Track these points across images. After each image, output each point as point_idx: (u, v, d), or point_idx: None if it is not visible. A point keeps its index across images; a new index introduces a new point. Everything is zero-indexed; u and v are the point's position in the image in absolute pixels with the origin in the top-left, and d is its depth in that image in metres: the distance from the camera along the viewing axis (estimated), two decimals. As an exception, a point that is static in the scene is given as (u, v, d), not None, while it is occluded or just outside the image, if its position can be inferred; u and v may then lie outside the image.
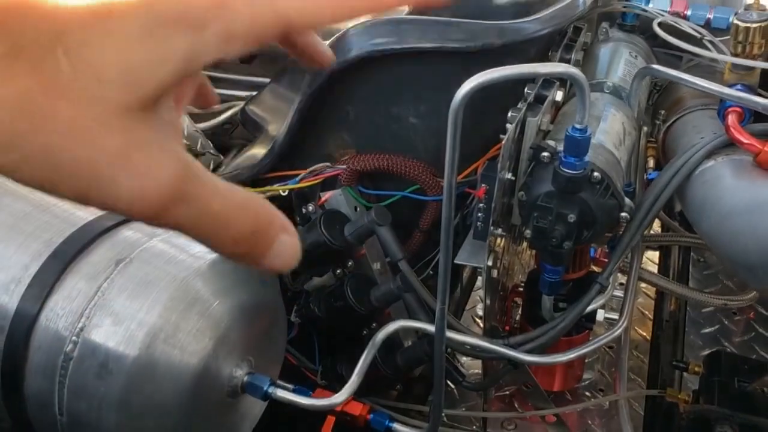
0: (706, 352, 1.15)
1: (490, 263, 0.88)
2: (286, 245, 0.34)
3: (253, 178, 1.06)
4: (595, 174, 0.81)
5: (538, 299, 0.94)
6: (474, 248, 0.91)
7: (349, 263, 1.01)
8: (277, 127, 1.51)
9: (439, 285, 0.82)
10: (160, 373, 0.74)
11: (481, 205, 0.88)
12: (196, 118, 1.64)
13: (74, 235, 0.82)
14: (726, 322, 1.22)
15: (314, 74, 0.95)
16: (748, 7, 0.94)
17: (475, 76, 0.71)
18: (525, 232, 0.82)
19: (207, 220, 0.30)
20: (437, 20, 0.87)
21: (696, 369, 1.05)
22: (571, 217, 0.79)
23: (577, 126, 0.76)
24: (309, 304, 1.02)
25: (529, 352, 0.90)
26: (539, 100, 0.91)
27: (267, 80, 1.70)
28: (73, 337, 0.75)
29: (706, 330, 1.21)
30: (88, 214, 0.85)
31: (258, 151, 1.44)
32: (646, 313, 1.29)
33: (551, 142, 0.83)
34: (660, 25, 1.01)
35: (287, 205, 1.06)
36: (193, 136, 1.57)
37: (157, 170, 0.28)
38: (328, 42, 0.93)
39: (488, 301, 0.92)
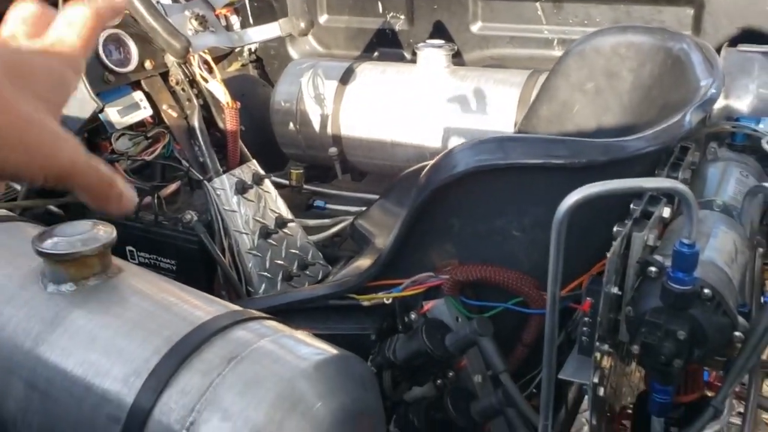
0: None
1: (596, 380, 0.85)
2: (129, 190, 0.50)
3: (360, 286, 1.09)
4: (706, 291, 0.79)
5: (648, 423, 0.90)
6: (579, 364, 0.89)
7: (450, 374, 1.01)
8: (384, 241, 1.57)
9: (542, 400, 0.81)
10: (262, 472, 0.76)
11: (586, 319, 0.87)
12: (308, 230, 1.72)
13: (192, 333, 0.87)
14: None
15: (420, 189, 0.99)
16: None
17: (579, 189, 0.73)
18: (633, 348, 0.80)
19: (99, 169, 0.46)
20: (541, 138, 0.90)
21: None
22: (681, 334, 0.77)
23: (685, 241, 0.75)
24: (408, 415, 1.02)
25: (639, 478, 0.85)
26: (646, 216, 0.91)
27: (375, 196, 1.79)
28: (184, 431, 0.78)
29: (841, 469, 1.10)
30: (205, 314, 0.90)
31: (364, 262, 1.50)
32: (770, 446, 1.19)
33: (659, 257, 0.83)
34: (770, 143, 1.00)
35: (391, 312, 1.08)
36: (305, 248, 1.65)
37: (76, 140, 0.45)
38: (435, 159, 0.98)
39: (594, 421, 0.89)
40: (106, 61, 1.37)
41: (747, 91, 1.25)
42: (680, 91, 1.18)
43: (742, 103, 1.24)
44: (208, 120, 1.53)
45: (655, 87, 1.30)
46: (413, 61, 1.96)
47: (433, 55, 1.85)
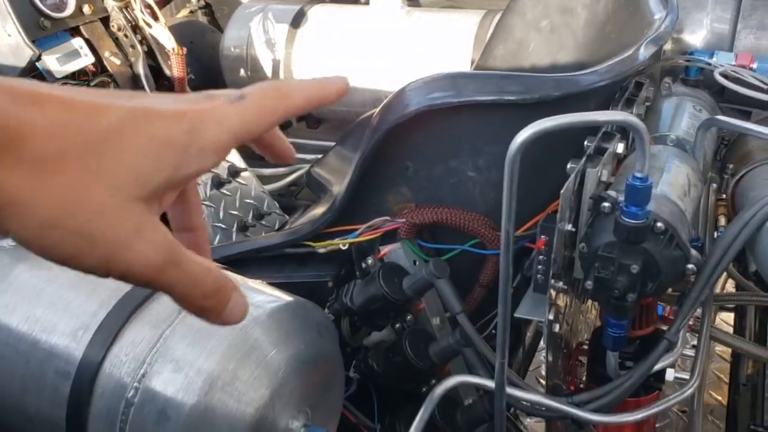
0: (789, 417, 1.08)
1: (551, 317, 0.86)
2: (239, 301, 0.42)
3: (315, 233, 1.07)
4: (659, 224, 0.79)
5: (603, 357, 0.91)
6: (535, 302, 0.89)
7: (408, 318, 1.00)
8: (340, 188, 1.55)
9: (498, 338, 0.80)
10: (216, 421, 0.75)
11: (540, 257, 0.86)
12: (263, 180, 1.69)
13: (140, 284, 0.84)
14: (810, 387, 1.14)
15: (373, 130, 0.97)
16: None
17: (532, 124, 0.71)
18: (586, 283, 0.80)
19: (188, 279, 0.38)
20: (494, 74, 0.88)
21: (777, 435, 0.99)
22: (634, 268, 0.77)
23: (638, 174, 0.75)
24: (368, 360, 1.01)
25: (595, 411, 0.86)
26: (599, 152, 0.90)
27: (332, 143, 1.76)
28: (135, 383, 0.77)
29: (788, 395, 1.14)
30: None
31: (321, 210, 1.48)
32: (722, 377, 1.22)
33: (612, 193, 0.82)
34: (723, 76, 1.00)
35: (347, 259, 1.07)
36: (260, 197, 1.62)
37: (159, 242, 0.37)
38: (387, 99, 0.96)
39: (550, 358, 0.89)
40: (41, 6, 1.30)
41: (701, 25, 1.24)
42: (635, 26, 1.16)
43: (696, 38, 1.23)
44: (155, 68, 1.48)
45: (610, 22, 1.28)
46: (367, 3, 1.91)
47: (386, -4, 1.80)
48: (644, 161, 0.74)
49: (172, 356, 0.77)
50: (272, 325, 0.81)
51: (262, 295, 0.86)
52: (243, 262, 1.12)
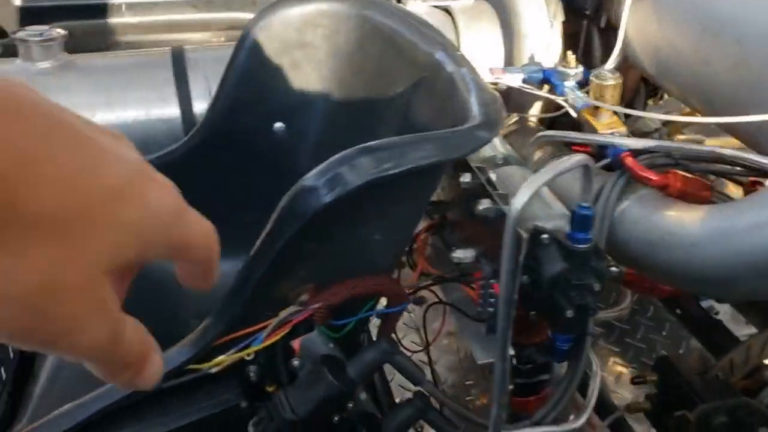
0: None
1: (512, 352, 0.90)
2: (155, 363, 0.36)
3: (201, 354, 0.89)
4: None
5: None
6: (486, 343, 0.92)
7: (350, 405, 0.93)
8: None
9: (495, 390, 0.82)
10: None
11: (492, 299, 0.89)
12: None
13: None
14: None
15: (275, 231, 0.84)
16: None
17: (529, 184, 0.73)
18: (567, 313, 0.86)
19: (122, 352, 0.34)
20: (403, 140, 0.83)
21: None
22: (597, 286, 0.86)
23: (584, 204, 0.83)
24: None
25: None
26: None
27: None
28: None
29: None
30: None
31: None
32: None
33: (543, 224, 0.89)
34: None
35: (240, 367, 0.92)
36: None
37: (110, 321, 0.32)
38: (285, 200, 0.84)
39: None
40: None
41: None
42: (395, 57, 1.22)
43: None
44: None
45: (358, 53, 1.31)
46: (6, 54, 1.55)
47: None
48: (590, 193, 0.82)
49: None
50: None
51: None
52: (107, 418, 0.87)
